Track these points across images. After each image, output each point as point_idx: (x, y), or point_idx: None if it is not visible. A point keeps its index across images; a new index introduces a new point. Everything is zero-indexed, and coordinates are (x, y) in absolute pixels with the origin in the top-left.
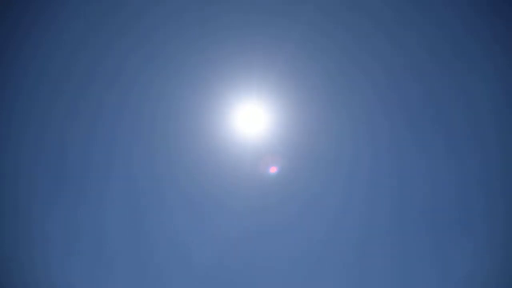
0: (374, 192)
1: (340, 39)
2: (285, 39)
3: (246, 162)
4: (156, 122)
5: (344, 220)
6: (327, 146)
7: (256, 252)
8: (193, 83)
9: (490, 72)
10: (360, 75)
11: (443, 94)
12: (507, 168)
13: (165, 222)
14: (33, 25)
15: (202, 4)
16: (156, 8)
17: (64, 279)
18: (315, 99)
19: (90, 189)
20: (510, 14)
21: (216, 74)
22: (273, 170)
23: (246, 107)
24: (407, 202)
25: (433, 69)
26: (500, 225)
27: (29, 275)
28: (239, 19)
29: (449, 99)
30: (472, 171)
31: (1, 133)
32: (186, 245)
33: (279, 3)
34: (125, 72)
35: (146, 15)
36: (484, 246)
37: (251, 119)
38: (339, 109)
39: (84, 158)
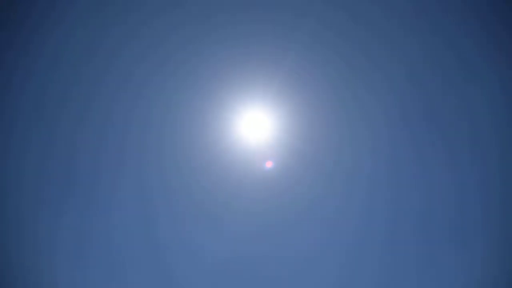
0: (372, 197)
1: (341, 46)
2: (288, 48)
3: (251, 166)
4: (164, 127)
5: (341, 223)
6: (328, 152)
7: (261, 251)
8: (201, 90)
9: (490, 77)
10: (361, 82)
11: (442, 100)
12: (505, 176)
13: (174, 225)
14: (40, 29)
15: (208, 13)
16: (163, 16)
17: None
18: (317, 105)
19: (99, 194)
20: (510, 19)
21: (223, 81)
22: (269, 165)
23: (251, 113)
24: (403, 208)
25: (432, 74)
26: (496, 235)
27: (35, 282)
28: (244, 28)
29: (448, 106)
30: (470, 179)
31: (9, 137)
32: (196, 246)
33: (282, 12)
34: (133, 78)
35: (153, 21)
36: (480, 256)
37: (255, 124)
38: (339, 115)
39: (93, 163)
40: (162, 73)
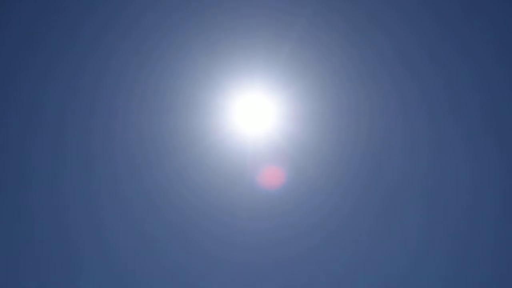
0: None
1: (345, 33)
2: (290, 28)
3: (248, 175)
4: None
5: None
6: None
7: None
8: (182, 68)
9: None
10: (368, 71)
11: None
12: None
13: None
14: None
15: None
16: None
17: None
18: (341, 85)
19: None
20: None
21: (212, 54)
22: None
23: (249, 98)
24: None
25: (431, 66)
26: None
27: None
28: (242, 12)
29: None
30: None
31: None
32: None
33: None
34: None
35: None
36: None
37: (255, 113)
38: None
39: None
40: (151, 63)
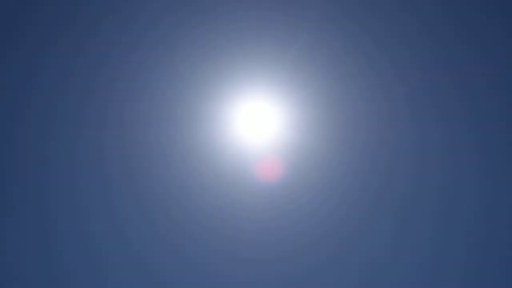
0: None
1: (350, 35)
2: (294, 34)
3: (250, 177)
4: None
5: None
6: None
7: None
8: (187, 78)
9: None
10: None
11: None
12: None
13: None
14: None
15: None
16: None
17: None
18: (340, 94)
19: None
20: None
21: (217, 71)
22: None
23: (251, 106)
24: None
25: (441, 65)
26: None
27: None
28: (244, 14)
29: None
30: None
31: None
32: None
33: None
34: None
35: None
36: None
37: (256, 121)
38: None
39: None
40: (150, 64)
